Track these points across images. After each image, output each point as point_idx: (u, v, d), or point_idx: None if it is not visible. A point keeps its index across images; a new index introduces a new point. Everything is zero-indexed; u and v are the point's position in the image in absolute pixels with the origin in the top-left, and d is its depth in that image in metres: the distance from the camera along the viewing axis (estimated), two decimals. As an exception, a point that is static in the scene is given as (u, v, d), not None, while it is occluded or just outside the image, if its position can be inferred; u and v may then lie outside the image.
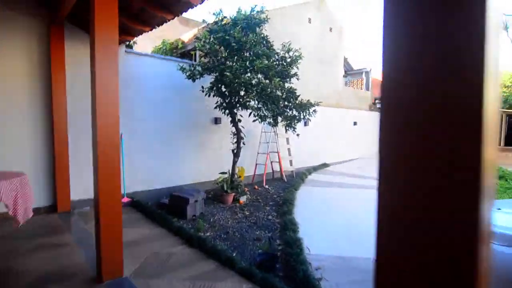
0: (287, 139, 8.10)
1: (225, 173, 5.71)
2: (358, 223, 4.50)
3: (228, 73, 4.67)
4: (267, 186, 6.88)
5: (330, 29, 10.39)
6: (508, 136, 15.34)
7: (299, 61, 5.64)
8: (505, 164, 11.95)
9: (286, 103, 5.63)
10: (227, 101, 5.32)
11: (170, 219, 4.17)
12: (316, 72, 9.70)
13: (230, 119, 5.51)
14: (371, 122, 12.82)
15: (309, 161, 9.39)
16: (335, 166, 10.23)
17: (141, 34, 4.77)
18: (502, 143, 15.32)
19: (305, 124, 9.08)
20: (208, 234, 3.92)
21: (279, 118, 5.72)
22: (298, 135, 5.91)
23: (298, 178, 7.70)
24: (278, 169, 7.77)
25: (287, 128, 5.87)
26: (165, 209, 4.71)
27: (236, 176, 5.72)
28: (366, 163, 10.93)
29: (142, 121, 5.36)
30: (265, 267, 2.91)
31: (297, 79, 5.65)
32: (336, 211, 5.12)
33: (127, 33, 4.67)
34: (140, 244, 3.40)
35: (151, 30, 4.52)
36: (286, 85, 5.57)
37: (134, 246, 3.34)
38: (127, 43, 6.43)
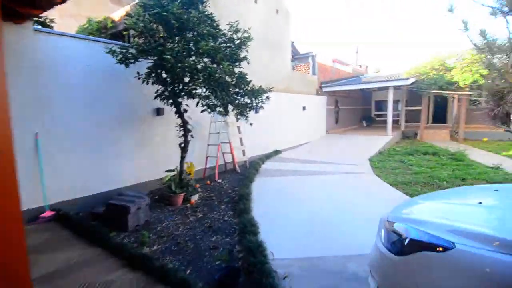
0: (238, 127, 7.66)
1: (173, 170, 5.07)
2: (318, 213, 4.34)
3: (168, 56, 3.97)
4: (220, 180, 6.41)
5: (277, 11, 10.02)
6: (435, 114, 17.07)
7: (248, 44, 5.15)
8: (435, 141, 13.28)
9: (237, 89, 5.14)
10: (169, 89, 4.61)
11: (107, 233, 3.47)
12: (264, 56, 9.31)
13: (174, 109, 4.84)
14: (319, 106, 13.04)
15: (262, 149, 9.13)
16: (287, 152, 10.17)
17: (52, 6, 3.77)
18: (430, 121, 17.07)
19: (256, 111, 8.72)
20: (155, 247, 3.35)
21: (230, 107, 5.21)
22: (251, 124, 5.50)
23: (251, 168, 7.37)
24: (231, 160, 7.33)
25: (239, 117, 5.40)
26: (101, 220, 3.95)
27: (185, 173, 5.12)
28: (314, 147, 11.09)
29: (65, 115, 4.38)
30: (225, 285, 2.50)
31: (248, 62, 5.17)
32: (295, 203, 4.91)
33: (30, 5, 3.64)
34: (66, 275, 2.69)
35: (62, 1, 3.58)
36: (236, 70, 5.05)
37: (58, 278, 2.62)
38: (39, 19, 5.23)
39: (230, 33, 5.03)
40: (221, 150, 7.11)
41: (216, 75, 4.37)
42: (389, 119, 12.72)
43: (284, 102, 10.27)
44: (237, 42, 4.99)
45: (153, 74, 4.46)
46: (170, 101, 4.70)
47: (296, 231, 3.78)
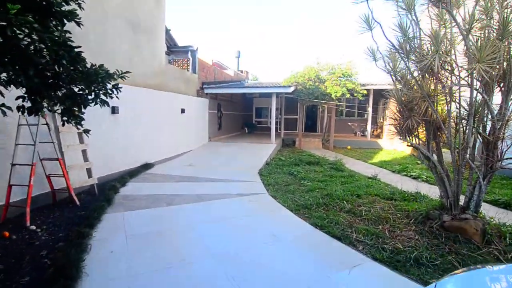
0: (80, 134, 5.01)
1: None
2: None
3: None
4: (33, 227, 3.70)
5: (146, -16, 7.72)
6: (307, 123, 18.30)
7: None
8: (311, 148, 13.82)
9: (57, 68, 2.78)
10: None
11: None
12: (126, 40, 6.86)
13: None
14: (200, 109, 11.33)
15: (124, 164, 6.62)
16: (161, 165, 7.95)
17: None
18: (303, 128, 18.19)
19: (113, 111, 6.19)
20: None
21: (46, 98, 2.79)
22: (87, 131, 3.17)
23: (102, 195, 4.90)
24: (65, 186, 4.63)
25: (65, 117, 3.02)
26: None
27: None
28: (196, 157, 9.31)
29: None
30: None
31: (79, 24, 2.89)
32: (172, 271, 2.95)
33: None
34: None
35: None
36: (55, 33, 2.70)
37: None
38: None
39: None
40: (45, 171, 4.35)
41: (8, 32, 1.99)
42: (273, 126, 12.37)
43: (156, 101, 8.03)
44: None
45: None
46: None
47: None
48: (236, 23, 72.69)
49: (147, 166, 7.43)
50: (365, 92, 13.16)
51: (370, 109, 14.60)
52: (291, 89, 11.94)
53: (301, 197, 5.34)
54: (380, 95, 15.26)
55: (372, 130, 15.61)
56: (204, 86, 11.77)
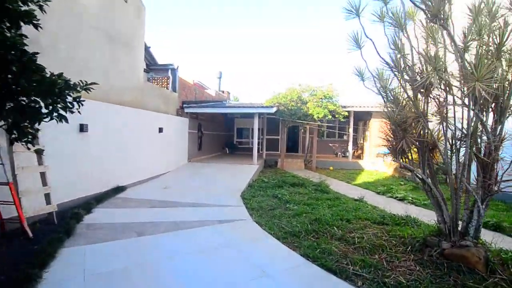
0: (39, 155, 4.40)
1: None
2: None
3: None
4: (-32, 268, 3.03)
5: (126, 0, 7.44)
6: (289, 144, 18.15)
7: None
8: (293, 169, 13.56)
9: (5, 76, 2.32)
10: None
11: None
12: (102, 53, 6.45)
13: None
14: (180, 129, 10.85)
15: (90, 188, 5.96)
16: (135, 188, 7.31)
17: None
18: (284, 149, 18.02)
19: (82, 129, 5.64)
20: None
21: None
22: (40, 152, 2.67)
23: (62, 225, 4.26)
24: (17, 215, 3.96)
25: (13, 134, 2.52)
26: None
27: None
28: (175, 180, 8.72)
29: None
30: None
31: (37, 26, 2.48)
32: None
33: None
34: None
35: None
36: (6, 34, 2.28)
37: None
38: None
39: None
40: (-9, 199, 3.69)
41: None
42: (255, 147, 12.05)
43: (132, 119, 7.52)
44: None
45: None
46: None
47: None
48: (218, 44, 74.00)
49: (118, 190, 6.78)
50: (346, 113, 13.28)
51: (351, 130, 14.72)
52: (274, 110, 11.80)
53: (288, 223, 4.94)
54: (360, 117, 15.51)
55: (353, 151, 15.68)
56: (184, 105, 11.37)
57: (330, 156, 16.81)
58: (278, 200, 6.78)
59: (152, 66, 10.81)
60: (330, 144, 17.59)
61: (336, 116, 12.93)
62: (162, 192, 7.10)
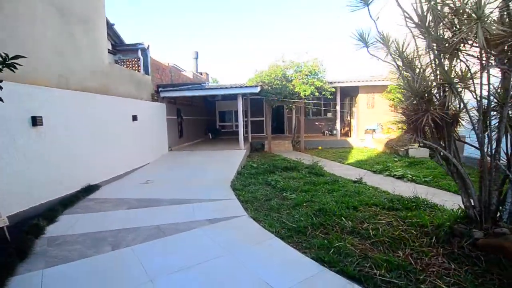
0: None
1: None
2: None
3: None
4: None
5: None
6: (274, 125, 17.49)
7: None
8: (281, 152, 12.98)
9: None
10: None
11: None
12: (55, 31, 5.36)
13: None
14: (157, 115, 9.86)
15: (54, 190, 5.07)
16: (110, 186, 6.45)
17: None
18: (270, 131, 17.36)
19: (35, 122, 4.67)
20: None
21: None
22: None
23: (14, 242, 3.42)
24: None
25: None
26: None
27: None
28: (155, 172, 7.90)
29: None
30: None
31: None
32: None
33: None
34: None
35: None
36: None
37: None
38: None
39: None
40: None
41: None
42: (241, 130, 11.28)
43: (99, 108, 6.52)
44: None
45: None
46: None
47: None
48: (192, 18, 70.46)
49: (90, 189, 5.91)
50: (333, 90, 12.69)
51: (338, 107, 14.20)
52: (258, 89, 10.99)
53: (289, 216, 4.34)
54: (346, 93, 14.99)
55: (340, 128, 15.27)
56: (160, 89, 10.32)
57: (317, 135, 16.36)
58: (273, 188, 6.17)
59: (119, 47, 9.58)
60: (317, 123, 17.10)
61: (323, 93, 12.31)
62: (141, 188, 6.29)
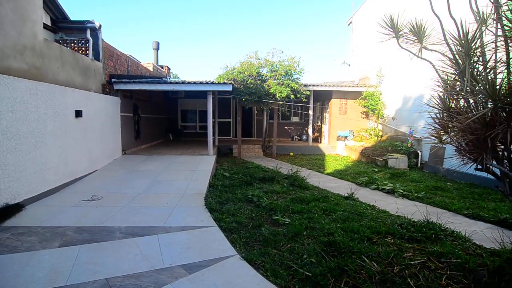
0: None
1: None
2: None
3: None
4: None
5: None
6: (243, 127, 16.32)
7: None
8: (252, 157, 11.91)
9: None
10: None
11: None
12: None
13: None
14: (108, 111, 8.13)
15: None
16: (40, 204, 4.78)
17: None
18: (241, 134, 16.20)
19: None
20: None
21: None
22: None
23: None
24: None
25: None
26: None
27: None
28: (104, 184, 6.29)
29: None
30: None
31: None
32: None
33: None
34: None
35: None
36: None
37: None
38: None
39: None
40: None
41: None
42: (210, 133, 9.95)
43: (28, 98, 4.82)
44: None
45: None
46: None
47: None
48: (150, 13, 66.34)
49: (8, 212, 4.22)
50: (309, 93, 12.02)
51: (311, 112, 13.59)
52: (231, 87, 9.80)
53: (293, 254, 3.28)
54: (318, 97, 14.48)
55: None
56: (113, 80, 8.58)
57: (287, 140, 15.64)
58: (257, 207, 5.06)
59: (61, 23, 7.67)
60: (286, 127, 16.36)
61: (298, 96, 11.54)
62: (85, 208, 4.73)
